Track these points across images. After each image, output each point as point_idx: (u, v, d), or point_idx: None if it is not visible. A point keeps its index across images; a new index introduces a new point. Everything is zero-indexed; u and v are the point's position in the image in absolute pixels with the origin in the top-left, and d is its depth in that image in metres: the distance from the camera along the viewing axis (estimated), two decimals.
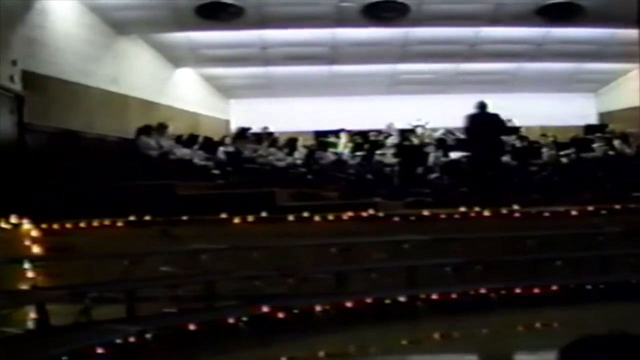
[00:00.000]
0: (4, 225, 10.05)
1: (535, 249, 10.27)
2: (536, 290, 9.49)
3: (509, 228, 10.68)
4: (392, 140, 17.47)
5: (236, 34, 17.27)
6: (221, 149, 16.04)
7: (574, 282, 9.71)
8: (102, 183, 12.27)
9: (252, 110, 20.58)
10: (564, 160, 16.80)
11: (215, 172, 15.06)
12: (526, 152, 16.78)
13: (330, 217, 10.60)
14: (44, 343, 7.23)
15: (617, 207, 11.08)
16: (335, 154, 17.34)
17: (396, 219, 10.74)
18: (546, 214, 11.00)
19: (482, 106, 13.91)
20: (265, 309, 8.21)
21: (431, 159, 16.59)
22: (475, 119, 13.87)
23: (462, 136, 16.52)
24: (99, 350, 6.61)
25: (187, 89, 19.92)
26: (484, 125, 13.91)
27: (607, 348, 2.75)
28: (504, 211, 11.01)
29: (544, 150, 17.02)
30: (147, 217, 10.35)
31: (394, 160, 16.60)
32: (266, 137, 17.30)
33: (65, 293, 8.16)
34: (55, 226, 10.10)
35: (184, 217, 10.39)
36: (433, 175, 16.20)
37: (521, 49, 19.01)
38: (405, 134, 17.98)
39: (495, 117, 14.04)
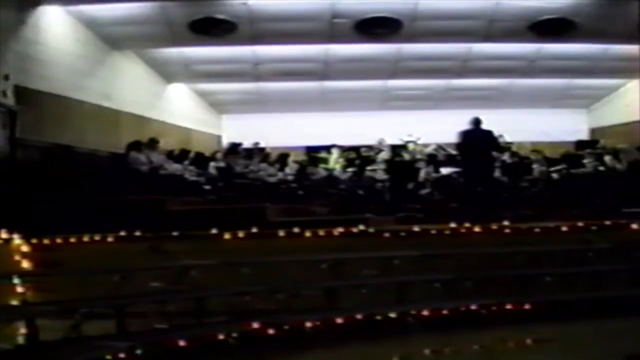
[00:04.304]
0: None
1: (526, 264, 10.27)
2: (527, 306, 9.49)
3: (499, 244, 10.68)
4: (384, 155, 17.49)
5: (229, 49, 17.35)
6: (212, 164, 16.02)
7: (564, 298, 9.73)
8: (93, 198, 12.25)
9: (244, 126, 20.57)
10: (554, 176, 16.82)
11: (206, 187, 15.04)
12: (517, 168, 16.81)
13: (321, 232, 10.59)
14: (34, 358, 7.22)
15: (608, 223, 11.08)
16: (327, 169, 17.35)
17: (387, 234, 10.73)
18: (536, 230, 10.99)
19: (476, 122, 13.85)
20: (255, 325, 8.20)
21: (422, 174, 16.61)
22: (469, 135, 13.84)
23: (453, 152, 16.55)
24: None
25: (179, 104, 19.96)
26: (478, 142, 13.88)
27: None
28: (495, 227, 11.01)
29: (535, 166, 17.04)
30: (138, 233, 10.32)
31: (385, 176, 16.61)
32: (257, 153, 17.31)
33: (55, 308, 8.14)
34: (46, 241, 10.08)
35: (175, 233, 10.37)
36: (424, 191, 16.22)
37: (513, 65, 19.11)
38: (396, 149, 18.01)
39: (489, 133, 14.02)
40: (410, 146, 18.16)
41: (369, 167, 17.11)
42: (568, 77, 20.64)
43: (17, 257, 9.83)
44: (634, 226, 10.86)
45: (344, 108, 21.14)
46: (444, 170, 16.65)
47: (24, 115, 12.54)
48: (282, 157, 17.38)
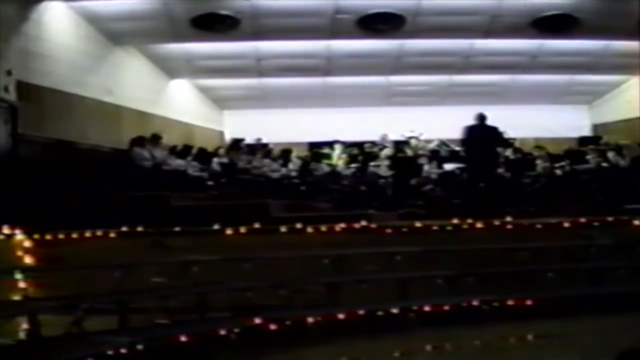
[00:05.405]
0: None
1: (528, 260, 10.27)
2: (528, 302, 9.49)
3: (501, 240, 10.66)
4: (387, 151, 17.50)
5: (231, 45, 17.35)
6: (215, 160, 16.05)
7: (566, 294, 9.72)
8: (96, 194, 12.25)
9: (246, 122, 20.59)
10: (557, 172, 16.83)
11: (209, 183, 15.06)
12: (520, 163, 16.82)
13: (323, 228, 10.56)
14: (35, 354, 7.21)
15: (610, 219, 11.07)
16: (329, 165, 17.35)
17: (389, 230, 10.71)
18: (539, 226, 10.97)
19: (481, 118, 13.88)
20: (257, 320, 8.21)
21: (425, 170, 16.61)
22: (473, 130, 13.83)
23: (456, 148, 16.56)
24: None
25: (181, 100, 19.95)
26: (482, 137, 13.87)
27: None
28: (497, 223, 11.00)
29: (538, 162, 17.06)
30: (140, 228, 10.32)
31: (388, 172, 16.61)
32: (260, 149, 17.34)
33: (57, 304, 8.14)
34: (48, 237, 10.06)
35: (177, 228, 10.37)
36: (426, 187, 16.21)
37: (516, 60, 19.09)
38: (399, 145, 18.01)
39: (494, 129, 14.02)
40: (413, 142, 18.18)
41: (371, 163, 17.12)
42: (570, 73, 20.61)
43: (19, 253, 9.81)
44: (636, 222, 10.84)
45: (346, 104, 21.14)
46: (447, 166, 16.65)
47: (26, 111, 12.54)
48: (285, 153, 17.39)
